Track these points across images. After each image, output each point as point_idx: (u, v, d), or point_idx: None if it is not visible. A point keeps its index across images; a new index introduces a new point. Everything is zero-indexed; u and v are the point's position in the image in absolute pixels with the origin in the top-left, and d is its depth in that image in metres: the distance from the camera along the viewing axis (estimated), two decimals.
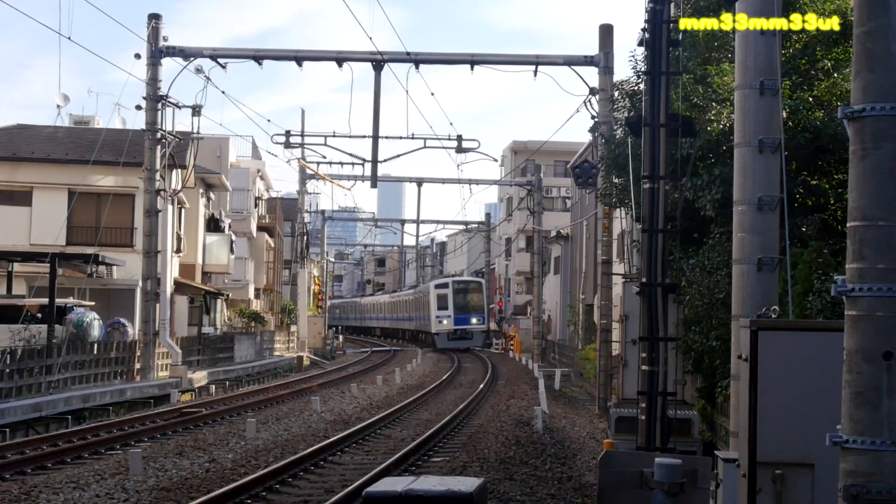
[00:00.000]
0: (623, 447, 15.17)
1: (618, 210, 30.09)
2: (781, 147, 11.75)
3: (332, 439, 20.27)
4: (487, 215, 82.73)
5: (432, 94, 38.23)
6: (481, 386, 35.09)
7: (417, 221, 76.50)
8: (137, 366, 33.02)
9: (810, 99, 18.03)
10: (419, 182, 62.99)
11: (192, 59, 33.57)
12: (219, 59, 33.31)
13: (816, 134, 17.61)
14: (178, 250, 42.86)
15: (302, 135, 45.40)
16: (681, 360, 18.48)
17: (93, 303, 35.05)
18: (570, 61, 33.21)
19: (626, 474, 9.57)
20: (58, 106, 46.30)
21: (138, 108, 33.92)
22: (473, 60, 33.41)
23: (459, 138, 40.05)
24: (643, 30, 14.35)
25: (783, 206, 11.42)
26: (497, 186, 78.04)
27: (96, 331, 32.53)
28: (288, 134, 42.37)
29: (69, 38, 31.03)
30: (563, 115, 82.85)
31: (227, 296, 54.54)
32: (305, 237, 65.19)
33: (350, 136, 40.97)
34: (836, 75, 18.20)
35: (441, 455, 19.35)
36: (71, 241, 38.55)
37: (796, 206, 16.94)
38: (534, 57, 33.66)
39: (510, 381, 38.19)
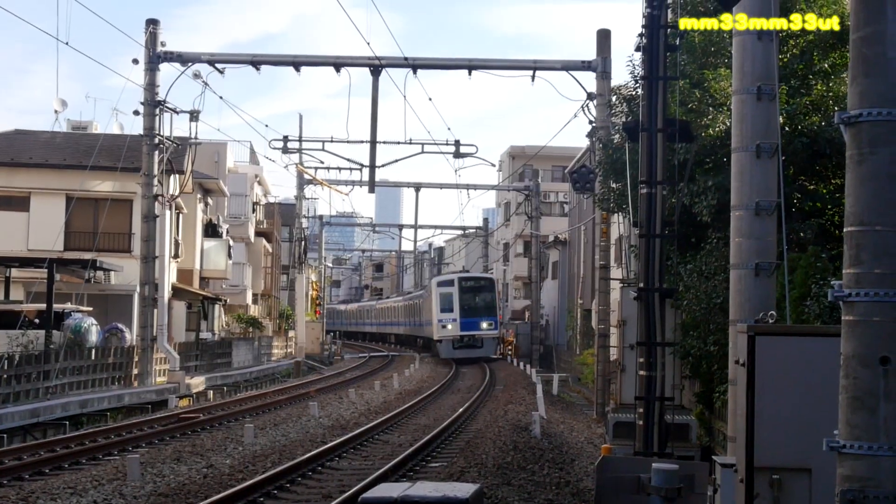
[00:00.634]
0: (621, 452, 15.16)
1: (615, 215, 30.10)
2: (779, 152, 11.76)
3: (329, 445, 20.26)
4: (485, 220, 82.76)
5: (430, 99, 38.17)
6: (479, 391, 35.08)
7: (415, 226, 76.45)
8: (135, 371, 32.99)
9: (808, 104, 18.04)
10: (417, 187, 62.94)
11: (189, 64, 33.58)
12: (216, 65, 33.33)
13: (814, 139, 17.62)
14: (176, 256, 42.84)
15: (300, 140, 45.46)
16: (678, 365, 18.49)
17: (90, 308, 35.02)
18: (568, 66, 33.24)
19: (623, 479, 9.57)
20: (56, 111, 46.23)
21: (136, 113, 33.96)
22: (471, 66, 33.44)
23: (457, 143, 40.08)
24: (640, 35, 14.35)
25: (781, 210, 11.43)
26: (495, 191, 77.58)
27: (94, 336, 32.49)
28: (286, 139, 42.36)
29: (67, 44, 31.15)
30: (561, 120, 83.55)
31: (225, 301, 54.52)
32: (303, 242, 65.20)
33: (348, 142, 41.03)
34: (833, 79, 18.21)
35: (439, 460, 19.34)
36: (69, 247, 38.52)
37: (794, 211, 16.93)
38: (531, 62, 33.68)
39: (508, 387, 38.18)
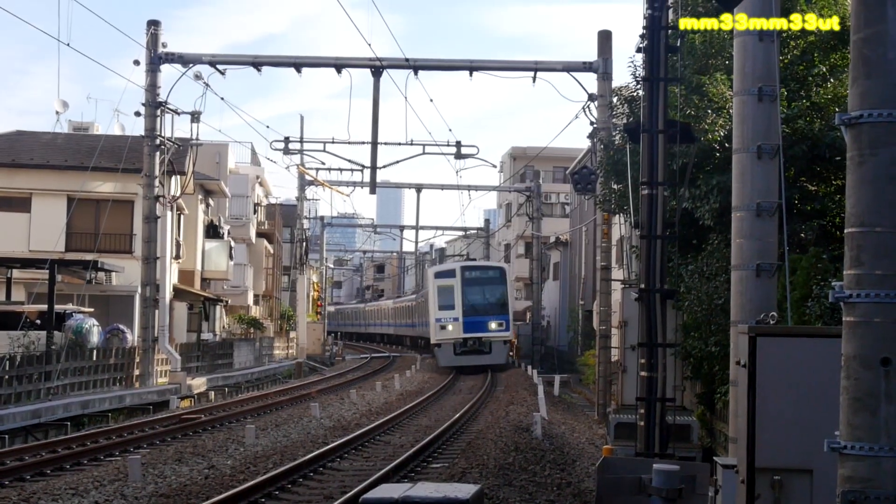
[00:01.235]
0: (622, 453, 15.17)
1: (617, 216, 30.12)
2: (780, 153, 11.76)
3: (331, 445, 20.26)
4: (486, 221, 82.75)
5: (431, 100, 38.19)
6: (480, 392, 35.08)
7: (416, 227, 76.43)
8: (136, 372, 33.01)
9: (807, 104, 18.03)
10: (418, 188, 62.89)
11: (190, 65, 33.60)
12: (218, 66, 33.35)
13: (814, 142, 17.62)
14: (177, 256, 42.85)
15: (301, 141, 45.48)
16: (680, 366, 18.50)
17: (92, 309, 35.02)
18: (569, 67, 33.24)
19: (624, 480, 9.58)
20: (57, 112, 46.27)
21: (137, 114, 33.99)
22: (472, 67, 33.44)
23: (458, 144, 40.12)
24: (641, 36, 14.37)
25: (782, 212, 11.43)
26: (496, 192, 77.47)
27: (95, 337, 32.49)
28: (287, 140, 42.41)
29: (68, 45, 30.98)
30: (562, 121, 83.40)
31: (226, 302, 54.54)
32: (304, 243, 65.18)
33: (349, 143, 41.08)
34: (833, 81, 18.21)
35: (440, 461, 19.35)
36: (70, 248, 38.53)
37: (795, 213, 16.94)
38: (532, 63, 33.68)
39: (509, 387, 38.17)
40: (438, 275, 51.05)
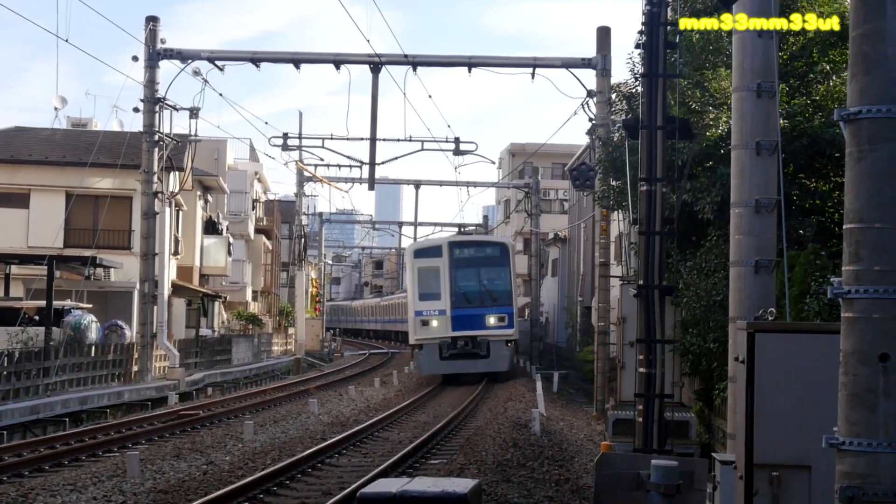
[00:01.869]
0: (621, 449, 15.17)
1: (615, 212, 30.10)
2: (779, 149, 11.76)
3: (329, 441, 20.27)
4: (485, 217, 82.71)
5: (430, 96, 38.12)
6: (479, 388, 35.07)
7: (415, 224, 76.36)
8: (135, 368, 33.00)
9: (807, 101, 18.04)
10: (417, 184, 62.85)
11: (189, 61, 33.57)
12: (216, 62, 33.33)
13: (814, 139, 17.62)
14: (176, 253, 42.84)
15: (299, 137, 45.44)
16: (678, 363, 18.51)
17: (90, 305, 35.03)
18: (568, 64, 33.23)
19: (622, 476, 9.58)
20: (55, 108, 46.29)
21: (136, 110, 33.95)
22: (471, 63, 33.43)
23: (457, 140, 40.08)
24: (640, 32, 14.36)
25: (780, 208, 11.43)
26: (495, 189, 77.34)
27: (94, 333, 32.51)
28: (285, 136, 42.36)
29: (67, 41, 31.06)
30: (561, 117, 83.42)
31: (225, 298, 54.53)
32: (303, 239, 65.16)
33: (348, 139, 41.00)
34: (834, 78, 18.21)
35: (438, 458, 19.36)
36: (68, 244, 38.54)
37: (793, 209, 16.94)
38: (531, 59, 33.66)
39: (508, 384, 38.17)
40: (419, 253, 39.58)
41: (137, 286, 34.75)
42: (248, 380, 43.01)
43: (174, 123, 35.21)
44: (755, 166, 11.69)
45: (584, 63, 32.79)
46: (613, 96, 28.40)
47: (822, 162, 18.43)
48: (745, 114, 11.80)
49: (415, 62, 33.12)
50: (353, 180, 53.13)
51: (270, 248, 70.41)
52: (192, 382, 34.91)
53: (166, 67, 36.87)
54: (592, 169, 31.68)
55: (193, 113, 34.84)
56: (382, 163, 38.96)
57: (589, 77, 33.06)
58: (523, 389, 34.86)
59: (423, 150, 41.24)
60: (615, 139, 24.96)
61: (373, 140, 35.95)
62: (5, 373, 25.20)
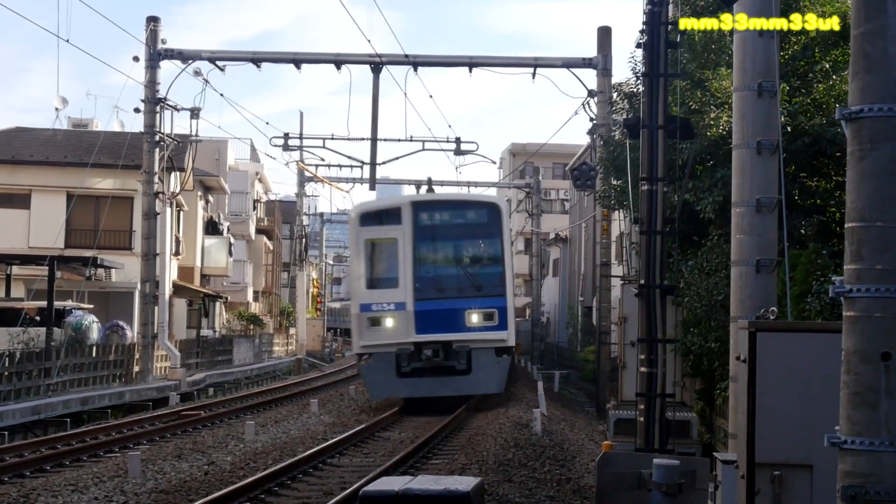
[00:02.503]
0: (622, 449, 15.16)
1: (616, 212, 30.12)
2: (780, 148, 11.76)
3: (330, 441, 20.26)
4: None
5: (431, 96, 38.31)
6: None
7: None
8: (136, 368, 33.01)
9: (809, 103, 18.03)
10: (418, 185, 62.87)
11: (190, 61, 33.57)
12: (217, 62, 33.32)
13: (815, 139, 17.62)
14: (177, 253, 42.86)
15: (300, 137, 45.39)
16: (679, 362, 18.51)
17: (91, 305, 35.05)
18: (569, 63, 33.22)
19: (624, 475, 9.58)
20: (56, 109, 46.34)
21: (137, 110, 33.97)
22: (472, 63, 33.41)
23: (458, 140, 40.08)
24: (641, 31, 14.35)
25: (781, 207, 11.43)
26: (496, 189, 77.33)
27: (95, 333, 32.52)
28: (286, 136, 42.35)
29: (67, 41, 31.10)
30: (562, 117, 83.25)
31: (226, 298, 54.57)
32: (304, 240, 65.18)
33: (349, 139, 40.95)
34: (834, 77, 18.21)
35: (440, 457, 19.34)
36: (69, 244, 38.55)
37: (794, 208, 16.94)
38: (532, 59, 33.65)
39: (509, 384, 38.10)
40: (368, 219, 27.12)
41: (138, 286, 34.75)
42: (249, 380, 43.02)
43: (175, 124, 35.28)
44: (756, 166, 11.68)
45: (585, 63, 32.79)
46: (614, 95, 28.40)
47: (824, 161, 18.43)
48: (745, 113, 11.80)
49: (415, 62, 33.11)
50: (354, 180, 53.12)
51: (271, 248, 70.45)
52: (193, 383, 34.91)
53: (167, 68, 36.93)
54: (593, 168, 31.70)
55: (194, 113, 34.84)
56: (383, 163, 39.01)
57: (590, 77, 33.11)
58: (524, 389, 34.83)
59: (424, 150, 41.25)
60: (616, 139, 24.95)
61: (374, 140, 35.94)
62: (7, 373, 25.21)
